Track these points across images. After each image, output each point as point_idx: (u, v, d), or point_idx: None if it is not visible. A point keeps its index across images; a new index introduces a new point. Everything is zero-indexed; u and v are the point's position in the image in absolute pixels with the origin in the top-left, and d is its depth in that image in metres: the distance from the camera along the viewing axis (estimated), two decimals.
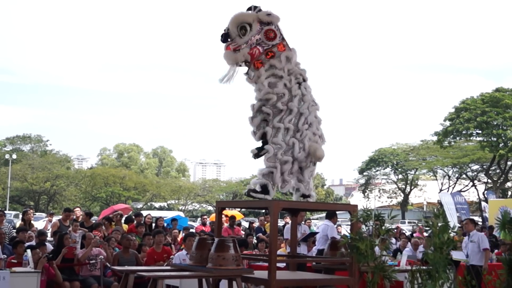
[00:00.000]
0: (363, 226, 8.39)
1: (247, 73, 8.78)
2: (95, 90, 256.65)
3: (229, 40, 8.48)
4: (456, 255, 14.03)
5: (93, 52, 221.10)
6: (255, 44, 8.50)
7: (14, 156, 71.71)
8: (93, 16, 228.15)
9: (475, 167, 67.66)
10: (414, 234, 22.13)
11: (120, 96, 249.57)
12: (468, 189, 67.11)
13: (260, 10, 8.60)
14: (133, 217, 18.27)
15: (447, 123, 55.96)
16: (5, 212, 17.60)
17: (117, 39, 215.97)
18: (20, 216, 22.41)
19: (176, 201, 79.06)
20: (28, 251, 11.17)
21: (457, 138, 57.64)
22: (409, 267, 10.75)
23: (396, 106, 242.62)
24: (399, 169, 79.03)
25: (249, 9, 8.63)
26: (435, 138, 58.61)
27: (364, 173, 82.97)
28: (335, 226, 14.97)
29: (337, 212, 14.59)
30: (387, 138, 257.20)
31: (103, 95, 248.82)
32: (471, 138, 58.45)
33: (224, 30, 8.54)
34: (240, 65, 8.64)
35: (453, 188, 68.95)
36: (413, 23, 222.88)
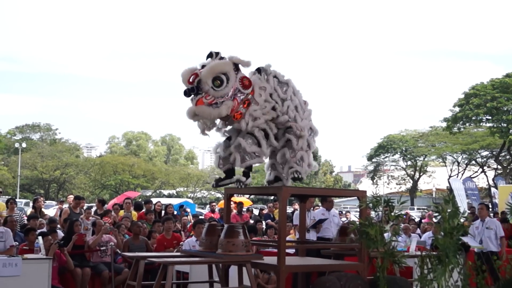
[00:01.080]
0: (373, 212, 8.41)
1: (220, 128, 8.47)
2: (103, 78, 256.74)
3: (200, 92, 7.85)
4: (470, 241, 14.02)
5: (101, 40, 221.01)
6: (233, 96, 7.97)
7: (24, 145, 71.98)
8: (99, 3, 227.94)
9: (485, 153, 67.46)
10: (423, 220, 22.12)
11: (128, 84, 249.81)
12: (477, 176, 66.98)
13: (220, 55, 8.12)
14: (143, 203, 18.32)
15: (457, 109, 55.75)
16: (16, 200, 17.63)
17: (124, 27, 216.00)
18: (31, 204, 22.51)
19: (185, 188, 79.23)
20: (40, 238, 11.23)
21: (467, 124, 57.40)
22: (418, 253, 10.77)
23: (405, 92, 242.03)
24: (408, 156, 78.84)
25: (209, 55, 8.13)
26: (444, 124, 58.40)
27: (373, 160, 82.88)
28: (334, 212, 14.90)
29: (346, 198, 14.60)
30: (396, 125, 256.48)
31: (112, 83, 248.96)
32: (481, 124, 58.18)
33: (191, 83, 7.92)
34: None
35: (462, 174, 68.84)
36: (422, 8, 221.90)
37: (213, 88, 7.83)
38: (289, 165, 8.47)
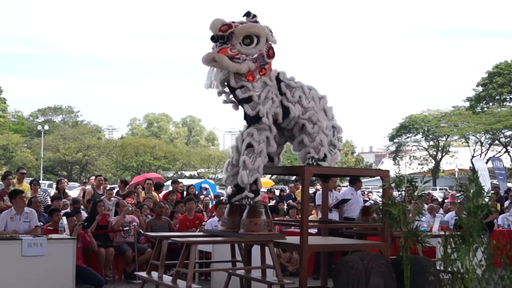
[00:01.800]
0: (395, 192, 8.39)
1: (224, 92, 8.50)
2: (125, 60, 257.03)
3: (227, 43, 8.00)
4: None
5: (122, 22, 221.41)
6: (256, 59, 8.12)
7: (46, 127, 72.37)
8: None
9: (508, 133, 66.78)
10: (446, 200, 22.05)
11: (149, 66, 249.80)
12: (501, 156, 66.51)
13: (256, 18, 8.27)
14: (170, 184, 18.37)
15: (480, 88, 55.36)
16: (39, 182, 17.77)
17: (145, 8, 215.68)
18: (54, 185, 22.66)
19: (206, 169, 79.40)
20: (64, 218, 11.32)
21: (490, 103, 57.00)
22: (441, 233, 10.73)
23: (427, 71, 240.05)
24: (430, 136, 78.40)
25: (246, 14, 8.28)
26: (467, 104, 58.03)
27: (395, 140, 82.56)
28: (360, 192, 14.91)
29: (368, 179, 14.58)
30: (418, 105, 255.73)
31: (133, 65, 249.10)
32: (504, 104, 57.77)
33: (223, 31, 8.03)
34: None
35: (485, 154, 68.31)
36: None
37: (241, 44, 8.02)
38: (306, 150, 8.42)
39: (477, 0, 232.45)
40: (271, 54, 8.24)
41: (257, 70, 8.13)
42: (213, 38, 8.00)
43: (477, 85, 55.83)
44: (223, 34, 7.97)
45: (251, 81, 8.11)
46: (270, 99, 8.25)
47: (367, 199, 24.54)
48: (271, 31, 8.29)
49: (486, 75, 54.99)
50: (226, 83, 8.33)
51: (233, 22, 8.12)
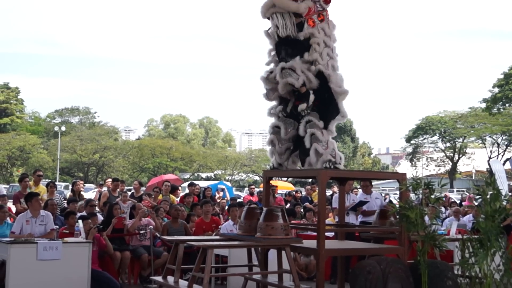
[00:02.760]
0: (412, 195, 8.32)
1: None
2: (141, 61, 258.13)
3: None
4: None
5: (139, 24, 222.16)
6: (313, 1, 8.23)
7: (63, 128, 72.75)
8: None
9: None
10: (464, 203, 21.91)
11: (166, 67, 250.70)
12: None
13: None
14: (187, 186, 18.39)
15: (496, 89, 55.12)
16: (56, 183, 17.79)
17: (162, 10, 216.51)
18: (70, 187, 22.71)
19: (223, 171, 79.43)
20: (80, 221, 11.31)
21: (506, 104, 56.74)
22: (459, 236, 10.65)
23: (443, 73, 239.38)
24: (447, 137, 78.17)
25: None
26: (483, 105, 57.82)
27: (411, 142, 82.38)
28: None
29: (385, 181, 14.50)
30: (434, 106, 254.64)
31: (150, 66, 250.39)
32: None
33: None
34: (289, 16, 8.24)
35: (502, 156, 68.00)
36: None
37: None
38: (323, 159, 8.31)
39: (494, 2, 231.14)
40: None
41: (315, 14, 8.21)
42: None
43: (493, 86, 55.61)
44: None
45: (312, 26, 8.17)
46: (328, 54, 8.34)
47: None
48: None
49: (502, 76, 54.72)
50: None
51: None
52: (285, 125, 8.61)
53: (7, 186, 42.70)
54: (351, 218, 13.63)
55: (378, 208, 13.45)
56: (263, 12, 8.17)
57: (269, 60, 8.79)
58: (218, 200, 19.04)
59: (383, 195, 30.28)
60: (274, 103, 8.84)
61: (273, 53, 8.76)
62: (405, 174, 8.94)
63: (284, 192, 24.93)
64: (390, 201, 14.71)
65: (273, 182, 20.15)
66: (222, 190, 22.49)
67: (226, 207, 17.54)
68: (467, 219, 15.54)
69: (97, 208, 14.87)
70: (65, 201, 15.51)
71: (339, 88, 8.35)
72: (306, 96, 8.28)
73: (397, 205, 8.36)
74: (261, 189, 19.49)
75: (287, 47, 8.49)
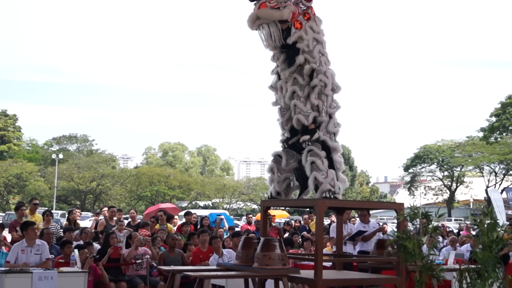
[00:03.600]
0: (410, 225, 8.29)
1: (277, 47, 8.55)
2: (139, 89, 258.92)
3: None
4: None
5: (137, 52, 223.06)
6: (295, 3, 8.28)
7: (61, 156, 72.68)
8: (135, 17, 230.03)
9: None
10: (461, 232, 21.86)
11: (164, 95, 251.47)
12: None
13: None
14: (184, 215, 18.34)
15: (493, 118, 55.27)
16: (52, 212, 17.72)
17: (159, 39, 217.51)
18: (66, 215, 22.65)
19: (221, 199, 79.26)
20: (76, 251, 11.26)
21: (504, 133, 56.89)
22: (457, 266, 10.60)
23: (441, 102, 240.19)
24: (445, 166, 78.27)
25: None
26: (481, 134, 57.95)
27: (409, 170, 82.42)
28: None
29: (383, 210, 14.50)
30: (432, 135, 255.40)
31: (148, 94, 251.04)
32: None
33: None
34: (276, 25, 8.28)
35: (500, 184, 68.02)
36: (457, 18, 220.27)
37: None
38: (323, 189, 8.27)
39: (491, 32, 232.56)
40: None
41: (300, 15, 8.30)
42: None
43: (491, 116, 55.77)
44: None
45: (299, 28, 8.26)
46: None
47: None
48: None
49: (499, 106, 54.89)
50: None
51: None
52: (287, 156, 8.65)
53: (3, 214, 42.60)
54: (348, 248, 13.58)
55: (376, 236, 13.48)
56: (250, 25, 8.28)
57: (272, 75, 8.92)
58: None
59: (381, 224, 30.25)
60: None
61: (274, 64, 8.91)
62: (402, 204, 8.92)
63: (283, 221, 24.91)
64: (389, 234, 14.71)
65: (270, 210, 20.11)
66: (221, 220, 22.40)
67: (225, 237, 17.48)
68: (465, 249, 15.48)
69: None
70: (61, 230, 15.44)
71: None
72: (312, 132, 8.35)
73: (395, 235, 8.32)
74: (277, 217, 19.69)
75: (282, 53, 8.67)
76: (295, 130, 8.59)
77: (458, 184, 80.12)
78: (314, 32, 8.44)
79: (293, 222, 21.86)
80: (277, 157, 8.76)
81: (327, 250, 13.96)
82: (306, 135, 8.36)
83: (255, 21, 8.18)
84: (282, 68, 8.64)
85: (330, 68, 8.59)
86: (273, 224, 19.95)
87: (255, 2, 8.24)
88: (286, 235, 18.54)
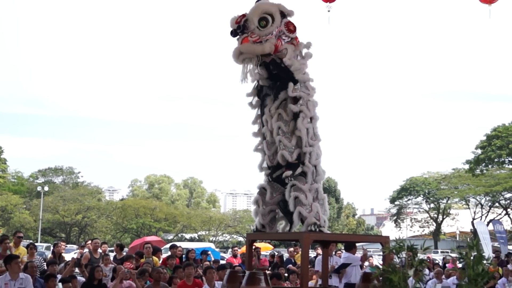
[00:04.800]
0: (396, 258, 8.28)
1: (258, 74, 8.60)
2: (125, 121, 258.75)
3: (245, 32, 8.22)
4: None
5: (123, 84, 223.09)
6: (278, 36, 8.27)
7: (46, 188, 72.25)
8: (122, 50, 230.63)
9: (508, 195, 66.88)
10: (447, 265, 21.85)
11: (150, 128, 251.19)
12: (501, 218, 66.26)
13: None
14: (169, 248, 18.26)
15: (479, 151, 55.49)
16: (37, 244, 17.62)
17: (145, 72, 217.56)
18: (52, 248, 22.50)
19: (207, 232, 79.00)
20: (60, 284, 11.17)
21: (489, 166, 57.08)
22: None
23: (426, 134, 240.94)
24: (431, 198, 78.45)
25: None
26: (467, 166, 58.07)
27: (396, 202, 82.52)
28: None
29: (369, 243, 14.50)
30: (418, 167, 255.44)
31: (133, 126, 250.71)
32: (504, 166, 57.85)
33: (238, 22, 8.26)
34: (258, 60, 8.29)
35: (486, 216, 68.20)
36: (443, 50, 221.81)
37: (259, 27, 8.17)
38: (308, 222, 8.22)
39: (476, 65, 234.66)
40: (291, 28, 8.41)
41: (283, 47, 8.32)
42: (232, 33, 8.21)
43: (476, 148, 56.03)
44: (239, 25, 8.18)
45: (283, 57, 8.31)
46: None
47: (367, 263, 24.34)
48: (282, 9, 8.41)
49: (484, 138, 55.22)
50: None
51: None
52: (271, 189, 8.63)
53: None
54: (334, 281, 13.54)
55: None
56: (235, 60, 8.33)
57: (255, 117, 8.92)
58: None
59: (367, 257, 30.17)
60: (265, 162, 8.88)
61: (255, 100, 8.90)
62: (388, 237, 8.91)
63: (268, 253, 24.82)
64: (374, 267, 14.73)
65: (255, 243, 20.05)
66: (207, 255, 22.28)
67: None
68: (451, 282, 15.47)
69: (77, 270, 14.71)
70: (45, 263, 15.31)
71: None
72: (295, 167, 8.35)
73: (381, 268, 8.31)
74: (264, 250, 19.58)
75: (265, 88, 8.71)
76: (280, 164, 8.58)
77: (444, 216, 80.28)
78: (298, 60, 8.48)
79: (275, 254, 21.80)
80: (262, 190, 8.76)
81: (312, 282, 13.90)
82: (289, 169, 8.36)
83: (239, 56, 8.22)
84: (267, 103, 8.63)
85: (313, 98, 8.59)
86: (260, 257, 19.90)
87: (238, 37, 8.26)
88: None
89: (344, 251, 14.89)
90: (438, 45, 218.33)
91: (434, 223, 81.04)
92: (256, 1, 8.47)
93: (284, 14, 8.41)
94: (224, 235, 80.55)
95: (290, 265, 19.06)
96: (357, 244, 15.23)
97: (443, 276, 17.29)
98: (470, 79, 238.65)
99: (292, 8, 8.51)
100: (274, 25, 8.23)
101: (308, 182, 8.36)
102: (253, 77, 8.63)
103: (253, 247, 19.71)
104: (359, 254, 15.96)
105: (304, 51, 8.68)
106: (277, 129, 8.44)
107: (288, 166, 8.43)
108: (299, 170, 8.35)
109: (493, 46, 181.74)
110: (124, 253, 17.02)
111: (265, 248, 33.17)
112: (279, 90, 8.48)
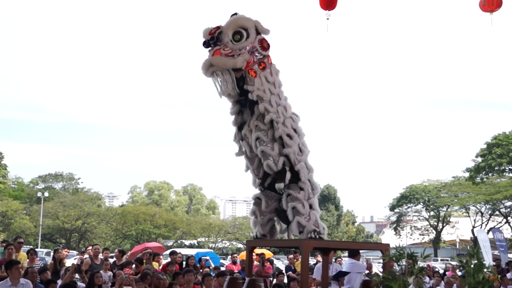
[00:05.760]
0: (396, 265, 8.28)
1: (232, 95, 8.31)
2: (125, 128, 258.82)
3: (218, 44, 7.98)
4: None
5: (123, 91, 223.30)
6: (251, 52, 8.08)
7: (46, 194, 72.30)
8: (121, 56, 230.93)
9: (508, 203, 66.78)
10: (447, 273, 21.82)
11: (150, 134, 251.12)
12: (501, 226, 66.26)
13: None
14: (169, 255, 18.26)
15: (479, 159, 55.56)
16: (37, 250, 17.63)
17: (146, 77, 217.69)
18: (52, 254, 22.50)
19: (206, 238, 78.95)
20: None
21: (490, 174, 57.12)
22: None
23: (427, 142, 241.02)
24: (431, 206, 78.36)
25: (233, 15, 8.29)
26: (467, 174, 58.11)
27: (395, 210, 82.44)
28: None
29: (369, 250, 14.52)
30: (418, 175, 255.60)
31: (134, 133, 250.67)
32: (504, 174, 57.87)
33: (212, 34, 8.03)
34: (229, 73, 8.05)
35: (486, 225, 68.11)
36: (443, 58, 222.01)
37: (232, 41, 7.95)
38: (308, 229, 8.13)
39: (476, 73, 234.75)
40: (265, 46, 8.20)
41: (255, 64, 8.10)
42: (204, 43, 7.98)
43: (477, 156, 56.09)
44: (212, 36, 7.95)
45: (254, 76, 8.09)
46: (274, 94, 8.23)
47: (367, 271, 24.35)
48: (258, 26, 8.19)
49: (485, 146, 55.27)
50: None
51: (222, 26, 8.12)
52: (266, 198, 8.53)
53: None
54: None
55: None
56: (204, 72, 8.10)
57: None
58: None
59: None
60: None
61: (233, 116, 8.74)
62: (388, 244, 8.90)
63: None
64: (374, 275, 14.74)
65: (255, 250, 20.05)
66: (206, 260, 22.31)
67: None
68: None
69: (77, 276, 14.72)
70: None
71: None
72: (283, 174, 8.26)
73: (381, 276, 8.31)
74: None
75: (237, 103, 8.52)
76: (268, 173, 8.48)
77: (444, 224, 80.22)
78: (268, 82, 8.21)
79: (277, 261, 21.83)
80: (257, 200, 8.67)
81: None
82: (279, 179, 8.30)
83: (209, 68, 8.00)
84: (245, 116, 8.44)
85: (291, 115, 8.41)
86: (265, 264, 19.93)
87: (209, 48, 8.05)
88: None
89: (348, 257, 14.88)
90: (438, 53, 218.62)
91: (434, 231, 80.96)
92: (232, 15, 8.29)
93: (259, 31, 8.20)
94: (223, 241, 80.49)
95: (290, 272, 19.06)
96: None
97: (443, 284, 17.29)
98: (471, 87, 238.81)
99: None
100: (248, 41, 8.02)
101: (306, 193, 8.28)
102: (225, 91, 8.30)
103: (259, 253, 19.83)
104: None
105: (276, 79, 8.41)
106: (255, 140, 8.27)
107: (277, 174, 8.33)
108: (288, 176, 8.25)
109: (494, 54, 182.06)
110: (124, 260, 17.02)
111: (266, 255, 33.11)
112: (252, 104, 8.31)
